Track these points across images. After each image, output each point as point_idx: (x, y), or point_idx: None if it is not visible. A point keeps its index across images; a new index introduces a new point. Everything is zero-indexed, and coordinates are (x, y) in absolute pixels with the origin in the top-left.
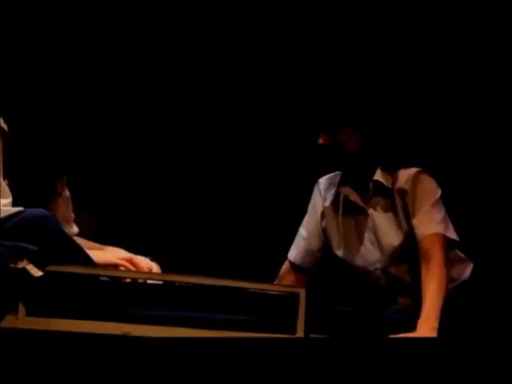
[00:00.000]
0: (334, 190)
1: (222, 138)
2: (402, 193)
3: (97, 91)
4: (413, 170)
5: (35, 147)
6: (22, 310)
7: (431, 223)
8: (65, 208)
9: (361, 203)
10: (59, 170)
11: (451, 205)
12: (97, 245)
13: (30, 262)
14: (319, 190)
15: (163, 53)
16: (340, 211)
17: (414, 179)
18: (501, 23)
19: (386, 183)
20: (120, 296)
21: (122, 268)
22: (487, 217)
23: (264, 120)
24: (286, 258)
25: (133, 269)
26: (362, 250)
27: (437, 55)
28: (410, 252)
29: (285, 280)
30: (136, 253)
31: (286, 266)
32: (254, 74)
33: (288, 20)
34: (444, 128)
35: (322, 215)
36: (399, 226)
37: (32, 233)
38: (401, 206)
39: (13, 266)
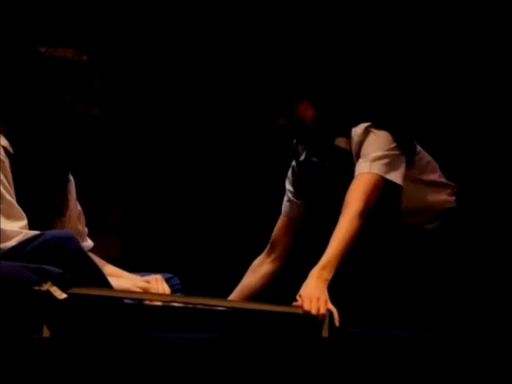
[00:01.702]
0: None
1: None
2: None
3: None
4: (362, 126)
5: (43, 164)
6: (45, 331)
7: (365, 162)
8: (77, 222)
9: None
10: (67, 183)
11: None
12: (113, 268)
13: (54, 284)
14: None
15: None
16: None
17: (364, 133)
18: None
19: (345, 147)
20: (143, 318)
21: None
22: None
23: None
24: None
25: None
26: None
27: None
28: None
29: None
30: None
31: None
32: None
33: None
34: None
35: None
36: None
37: (54, 254)
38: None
39: (37, 288)
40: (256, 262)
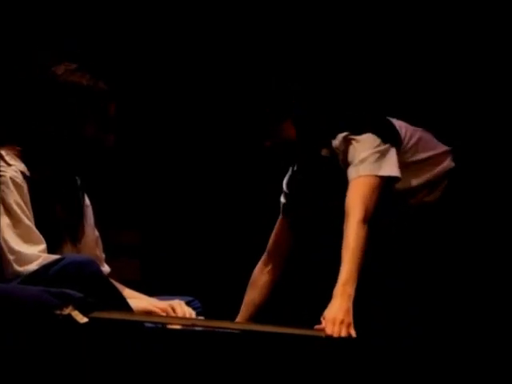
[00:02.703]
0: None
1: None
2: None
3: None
4: (340, 137)
5: (60, 189)
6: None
7: (352, 167)
8: (95, 248)
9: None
10: (83, 208)
11: None
12: (131, 291)
13: (76, 308)
14: None
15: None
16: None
17: (344, 142)
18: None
19: (326, 155)
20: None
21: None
22: None
23: None
24: None
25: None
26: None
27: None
28: None
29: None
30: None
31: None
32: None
33: None
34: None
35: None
36: None
37: (75, 279)
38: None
39: (58, 312)
40: (255, 274)
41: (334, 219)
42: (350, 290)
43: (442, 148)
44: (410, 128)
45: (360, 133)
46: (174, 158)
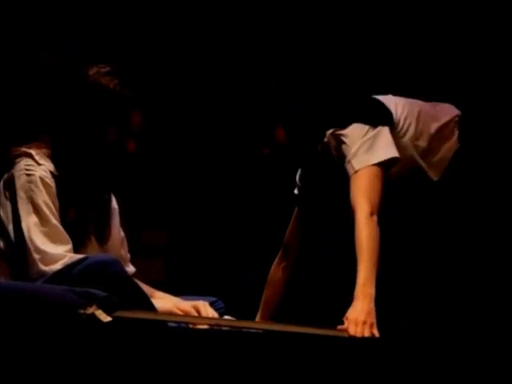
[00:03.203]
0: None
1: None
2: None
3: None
4: (327, 134)
5: (88, 189)
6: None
7: (347, 164)
8: (120, 248)
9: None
10: (110, 209)
11: None
12: (154, 290)
13: (99, 307)
14: None
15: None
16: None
17: (333, 139)
18: None
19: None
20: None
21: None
22: None
23: None
24: None
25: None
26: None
27: None
28: None
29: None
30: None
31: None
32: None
33: None
34: None
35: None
36: None
37: (99, 278)
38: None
39: (82, 311)
40: (271, 272)
41: (333, 219)
42: (370, 290)
43: (447, 116)
44: (406, 102)
45: (345, 126)
46: (201, 158)
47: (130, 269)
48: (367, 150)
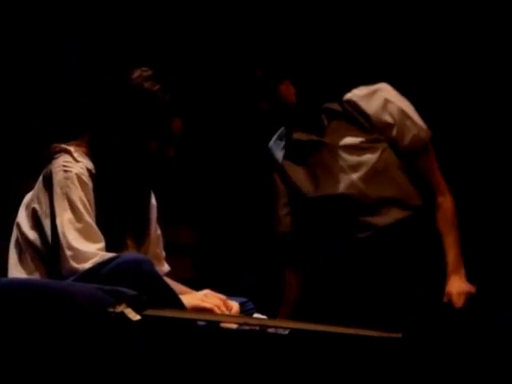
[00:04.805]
0: (282, 144)
1: None
2: (358, 109)
3: None
4: (364, 88)
5: (125, 187)
6: None
7: (418, 131)
8: (156, 246)
9: (316, 137)
10: (148, 208)
11: None
12: (186, 288)
13: (129, 306)
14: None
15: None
16: (298, 157)
17: (367, 96)
18: None
19: (335, 108)
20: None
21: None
22: None
23: None
24: None
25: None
26: (337, 177)
27: None
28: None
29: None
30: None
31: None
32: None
33: None
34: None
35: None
36: (372, 144)
37: (129, 277)
38: (360, 116)
39: (111, 310)
40: (287, 273)
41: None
42: (462, 266)
43: None
44: None
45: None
46: (229, 157)
47: (165, 268)
48: (421, 122)
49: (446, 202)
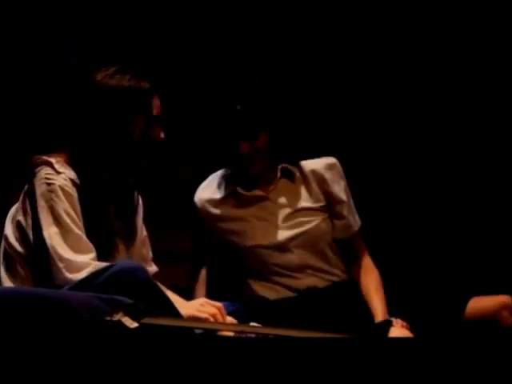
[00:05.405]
0: (223, 191)
1: None
2: (318, 176)
3: None
4: (324, 159)
5: (112, 192)
6: None
7: (355, 220)
8: (143, 247)
9: (262, 193)
10: (135, 211)
11: None
12: (174, 295)
13: (126, 314)
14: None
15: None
16: (239, 205)
17: (329, 167)
18: None
19: (292, 169)
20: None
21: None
22: None
23: None
24: None
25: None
26: (271, 230)
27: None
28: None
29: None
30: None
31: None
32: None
33: None
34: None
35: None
36: (314, 200)
37: (125, 285)
38: (316, 183)
39: (108, 318)
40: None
41: None
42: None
43: None
44: None
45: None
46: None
47: (152, 268)
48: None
49: (373, 272)
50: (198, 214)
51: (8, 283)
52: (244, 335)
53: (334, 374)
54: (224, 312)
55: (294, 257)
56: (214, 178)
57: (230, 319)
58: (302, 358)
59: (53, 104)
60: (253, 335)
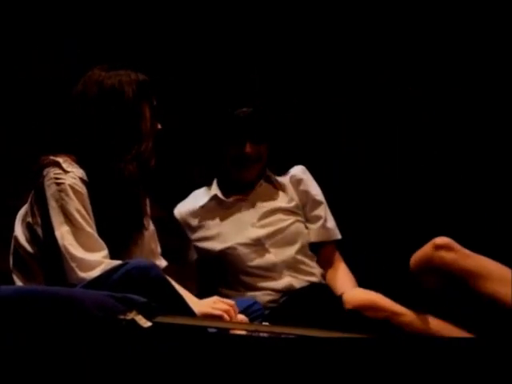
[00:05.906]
0: (205, 199)
1: None
2: (296, 178)
3: None
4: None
5: (119, 187)
6: None
7: (333, 228)
8: (151, 242)
9: (241, 197)
10: (143, 206)
11: None
12: (187, 292)
13: (139, 313)
14: (184, 220)
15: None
16: (218, 210)
17: (304, 171)
18: None
19: (272, 176)
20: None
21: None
22: None
23: None
24: None
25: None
26: (247, 227)
27: None
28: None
29: None
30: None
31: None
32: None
33: None
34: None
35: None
36: (291, 201)
37: (138, 283)
38: (294, 186)
39: (122, 317)
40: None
41: None
42: None
43: None
44: None
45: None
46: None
47: (162, 262)
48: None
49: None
50: (180, 226)
51: (20, 284)
52: (257, 334)
53: (348, 373)
54: (236, 309)
55: (271, 256)
56: (196, 193)
57: (241, 317)
58: (316, 358)
59: (53, 104)
60: (266, 334)
